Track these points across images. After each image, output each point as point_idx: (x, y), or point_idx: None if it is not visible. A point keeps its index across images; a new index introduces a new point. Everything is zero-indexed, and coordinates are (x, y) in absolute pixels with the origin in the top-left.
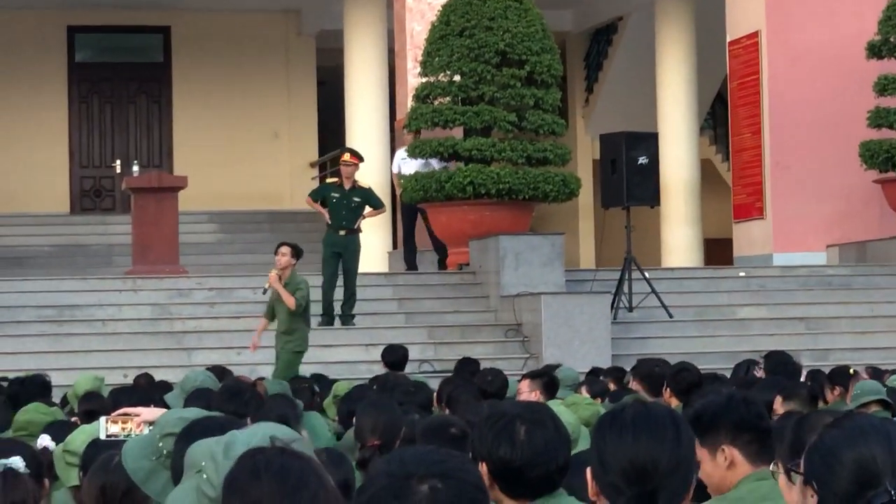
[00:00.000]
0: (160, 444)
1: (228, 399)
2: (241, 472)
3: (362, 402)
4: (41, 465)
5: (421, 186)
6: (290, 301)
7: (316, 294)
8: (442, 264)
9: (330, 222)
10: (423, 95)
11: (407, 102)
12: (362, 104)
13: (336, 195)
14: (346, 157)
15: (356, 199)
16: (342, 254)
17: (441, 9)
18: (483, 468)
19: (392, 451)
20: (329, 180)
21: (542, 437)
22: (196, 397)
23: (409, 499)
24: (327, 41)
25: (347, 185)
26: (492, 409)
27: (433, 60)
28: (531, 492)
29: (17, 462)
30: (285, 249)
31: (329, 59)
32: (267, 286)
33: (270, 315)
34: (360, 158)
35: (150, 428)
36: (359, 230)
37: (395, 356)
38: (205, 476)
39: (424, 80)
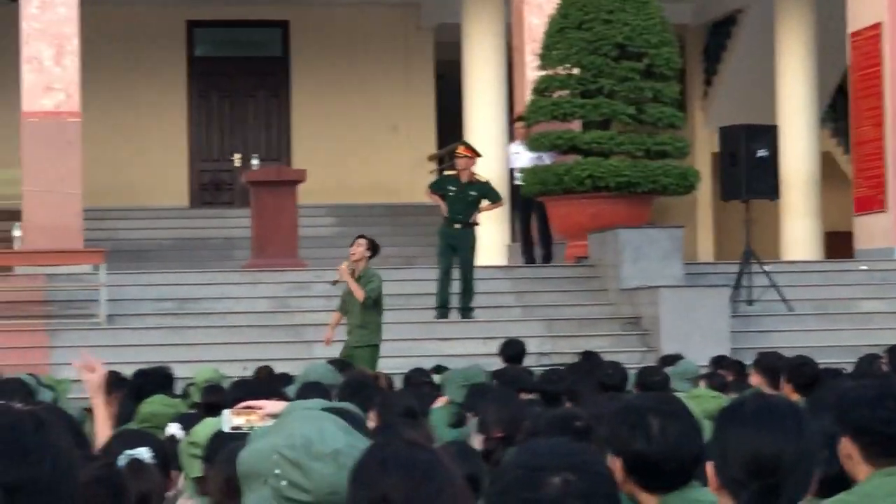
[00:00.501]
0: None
1: (352, 393)
2: (369, 466)
3: (486, 396)
4: (168, 455)
5: (539, 180)
6: (359, 294)
7: (433, 287)
8: (547, 258)
9: (446, 215)
10: (541, 89)
11: (525, 96)
12: (480, 98)
13: (453, 188)
14: (461, 150)
15: (472, 193)
16: (456, 247)
17: (559, 2)
18: (617, 463)
19: (523, 444)
20: (448, 173)
21: (677, 430)
22: (311, 390)
23: (541, 491)
24: (446, 35)
25: (464, 179)
26: (623, 403)
27: (552, 54)
28: (666, 484)
29: (143, 453)
30: (361, 241)
31: (447, 53)
32: (338, 278)
33: (343, 309)
34: (475, 152)
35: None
36: (474, 224)
37: (513, 350)
38: (284, 482)
39: (543, 73)
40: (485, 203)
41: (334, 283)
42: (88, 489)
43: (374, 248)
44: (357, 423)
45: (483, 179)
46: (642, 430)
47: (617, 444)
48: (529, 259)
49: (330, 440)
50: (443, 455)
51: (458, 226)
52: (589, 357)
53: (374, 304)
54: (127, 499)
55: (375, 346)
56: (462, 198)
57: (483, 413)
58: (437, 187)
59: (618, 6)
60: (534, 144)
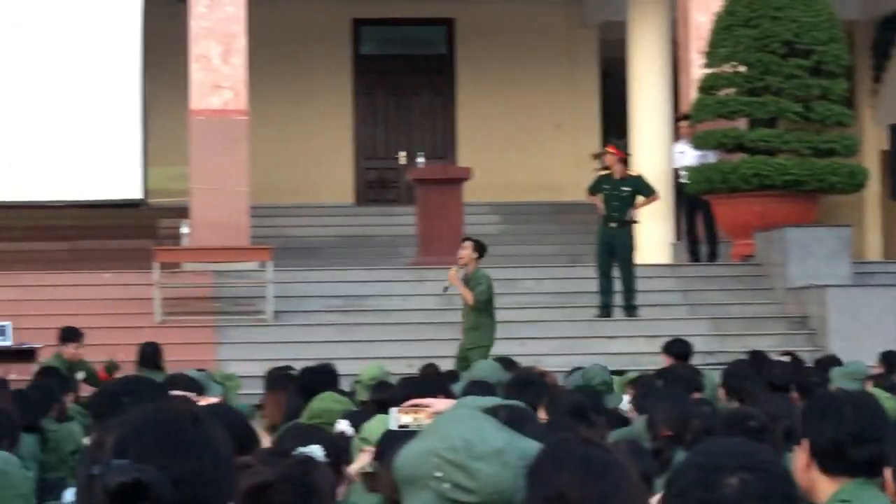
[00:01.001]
0: (433, 461)
1: (520, 390)
2: (545, 463)
3: (654, 394)
4: (340, 452)
5: (705, 178)
6: (468, 297)
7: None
8: (713, 256)
9: (603, 214)
10: (707, 87)
11: (690, 94)
12: (645, 95)
13: (607, 187)
14: (607, 147)
15: (626, 189)
16: (615, 247)
17: None
18: (804, 447)
19: (700, 444)
20: (602, 173)
21: (869, 419)
22: (477, 387)
23: (719, 491)
24: (610, 32)
25: (617, 176)
26: (820, 393)
27: (718, 51)
28: (851, 470)
29: (316, 451)
30: (467, 244)
31: (612, 50)
32: (448, 284)
33: None
34: (621, 150)
35: None
36: (631, 222)
37: (679, 349)
38: (447, 485)
39: (709, 71)
40: (640, 199)
41: (445, 289)
42: (279, 487)
43: (480, 249)
44: (527, 421)
45: (635, 174)
46: (834, 414)
47: (808, 427)
48: (695, 257)
49: (490, 439)
50: (618, 452)
51: (614, 224)
52: (756, 356)
53: (485, 306)
54: (319, 498)
55: (486, 348)
56: (616, 195)
57: (651, 412)
58: (593, 189)
59: (786, 3)
60: (699, 142)
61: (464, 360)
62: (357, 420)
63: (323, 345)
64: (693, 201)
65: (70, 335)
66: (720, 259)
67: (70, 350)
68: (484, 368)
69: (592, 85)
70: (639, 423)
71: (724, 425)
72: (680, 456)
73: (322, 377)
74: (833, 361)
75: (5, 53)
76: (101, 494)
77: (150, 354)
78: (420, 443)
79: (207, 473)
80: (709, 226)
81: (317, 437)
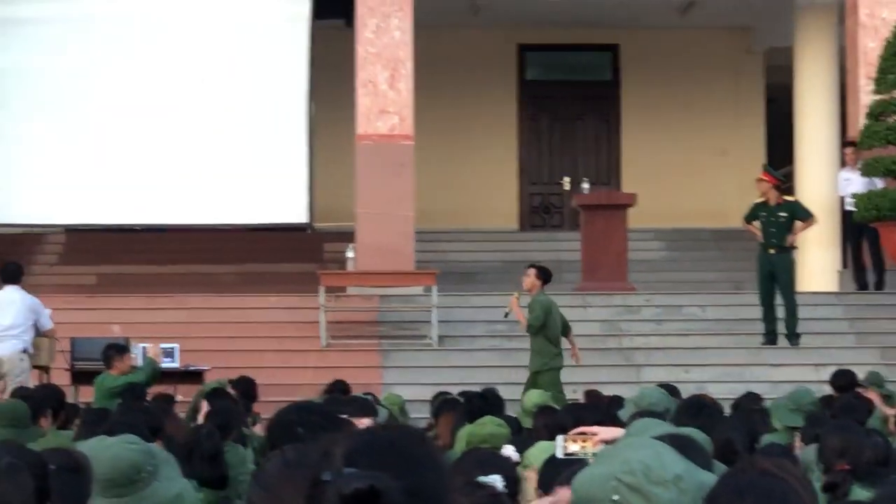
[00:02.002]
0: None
1: (693, 415)
2: (725, 493)
3: (827, 426)
4: (514, 481)
5: (874, 205)
6: (522, 322)
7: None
8: (880, 284)
9: (762, 241)
10: (876, 113)
11: (858, 120)
12: (812, 122)
13: (763, 213)
14: (761, 175)
15: (782, 215)
16: (775, 273)
17: None
18: None
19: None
20: (757, 201)
21: None
22: (645, 415)
23: None
24: (777, 58)
25: (772, 202)
26: None
27: (887, 77)
28: None
29: (497, 481)
30: (530, 271)
31: (778, 76)
32: (508, 310)
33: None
34: (774, 177)
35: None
36: (791, 247)
37: (844, 380)
38: None
39: (878, 97)
40: (798, 224)
41: (506, 315)
42: None
43: (545, 275)
44: (699, 451)
45: (792, 199)
46: None
47: None
48: (862, 285)
49: (670, 465)
50: (797, 484)
51: (773, 251)
52: None
53: (538, 331)
54: None
55: (553, 370)
56: (773, 221)
57: (824, 443)
58: (749, 217)
59: None
60: (868, 170)
61: (533, 384)
62: (522, 446)
63: (487, 369)
64: (859, 229)
65: None
66: (887, 287)
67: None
68: (652, 395)
69: (758, 111)
70: (806, 453)
71: None
72: (858, 491)
73: (489, 402)
74: None
75: (174, 74)
76: (334, 499)
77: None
78: (598, 467)
79: (432, 490)
80: (875, 253)
81: (496, 464)
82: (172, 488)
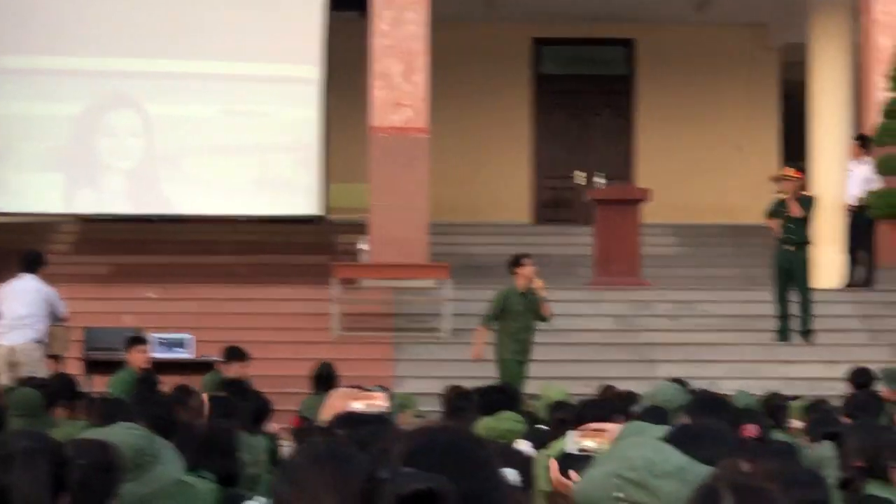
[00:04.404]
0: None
1: (704, 410)
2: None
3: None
4: (531, 475)
5: (886, 203)
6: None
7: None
8: (868, 282)
9: (779, 237)
10: (890, 111)
11: (872, 117)
12: (825, 119)
13: (782, 209)
14: (789, 171)
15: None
16: (791, 270)
17: None
18: None
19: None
20: (776, 196)
21: None
22: (653, 413)
23: None
24: (792, 55)
25: (792, 199)
26: None
27: None
28: None
29: (511, 475)
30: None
31: (793, 73)
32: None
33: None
34: (785, 175)
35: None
36: (807, 243)
37: (863, 378)
38: None
39: (892, 95)
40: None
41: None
42: None
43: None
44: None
45: (808, 195)
46: None
47: None
48: (852, 282)
49: (671, 458)
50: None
51: (790, 247)
52: None
53: (489, 321)
54: None
55: (504, 361)
56: (791, 218)
57: (846, 441)
58: (772, 213)
59: None
60: (883, 168)
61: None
62: (538, 440)
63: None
64: (855, 223)
65: (235, 354)
66: (875, 285)
67: (234, 368)
68: (666, 391)
69: (773, 107)
70: (818, 450)
71: None
72: (873, 487)
73: (503, 396)
74: None
75: (188, 65)
76: (391, 498)
77: (324, 377)
78: (600, 467)
79: (489, 493)
80: (868, 249)
81: (511, 459)
82: (175, 473)
